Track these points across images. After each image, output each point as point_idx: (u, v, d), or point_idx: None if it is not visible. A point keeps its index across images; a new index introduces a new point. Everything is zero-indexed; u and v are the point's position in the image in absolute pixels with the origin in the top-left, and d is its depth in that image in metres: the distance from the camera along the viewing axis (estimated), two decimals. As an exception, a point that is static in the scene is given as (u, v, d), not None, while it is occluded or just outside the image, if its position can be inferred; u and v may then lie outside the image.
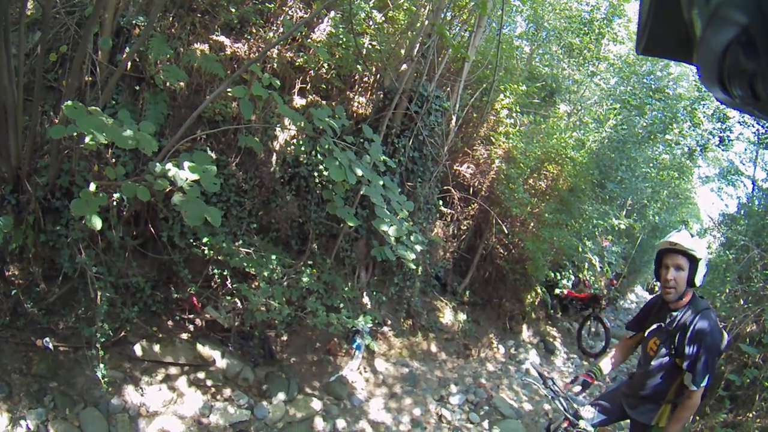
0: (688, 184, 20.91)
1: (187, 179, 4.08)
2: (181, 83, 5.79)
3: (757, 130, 13.63)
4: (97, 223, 4.07)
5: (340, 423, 5.70)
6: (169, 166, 4.12)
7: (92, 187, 4.29)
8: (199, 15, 6.32)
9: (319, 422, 5.59)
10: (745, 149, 16.04)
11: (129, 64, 5.31)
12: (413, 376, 7.03)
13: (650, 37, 0.81)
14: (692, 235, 3.24)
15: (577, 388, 3.70)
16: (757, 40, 0.54)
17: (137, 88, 5.77)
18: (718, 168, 20.01)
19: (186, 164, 4.13)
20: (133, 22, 5.62)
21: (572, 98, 13.66)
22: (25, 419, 4.22)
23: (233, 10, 6.42)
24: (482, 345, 8.87)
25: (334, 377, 6.33)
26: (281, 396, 5.69)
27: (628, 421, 3.74)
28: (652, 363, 3.42)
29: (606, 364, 3.81)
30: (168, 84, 5.72)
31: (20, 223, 4.82)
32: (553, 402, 3.66)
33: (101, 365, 4.70)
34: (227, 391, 5.45)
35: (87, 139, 3.85)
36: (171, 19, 6.09)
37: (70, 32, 5.51)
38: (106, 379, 4.71)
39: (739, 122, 14.48)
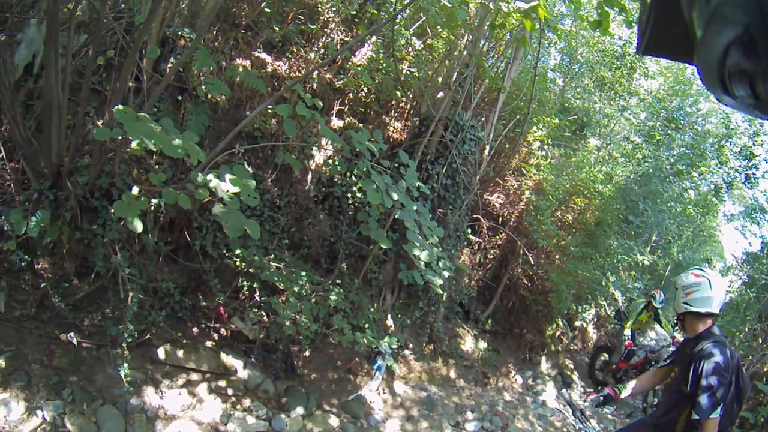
0: (713, 222, 20.65)
1: (228, 191, 4.17)
2: (223, 96, 5.90)
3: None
4: (138, 226, 4.16)
5: (356, 442, 5.70)
6: (210, 177, 4.21)
7: (135, 190, 4.39)
8: (242, 31, 6.47)
9: (335, 439, 5.59)
10: (771, 188, 15.88)
11: (173, 74, 5.44)
12: (431, 401, 6.99)
13: (651, 38, 0.81)
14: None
15: (596, 396, 3.89)
16: (758, 40, 0.54)
17: (179, 97, 5.90)
18: (743, 206, 19.77)
19: (227, 176, 4.22)
20: (179, 33, 5.75)
21: (602, 132, 13.63)
22: (42, 409, 4.22)
23: (276, 28, 6.55)
24: (501, 374, 8.80)
25: (352, 396, 6.32)
26: (300, 410, 5.69)
27: None
28: (668, 390, 3.56)
29: (630, 386, 3.91)
30: (209, 96, 5.84)
31: (57, 218, 4.91)
32: None
33: (125, 364, 4.75)
34: (247, 401, 5.48)
35: (134, 144, 3.95)
36: (215, 32, 6.24)
37: (116, 37, 5.62)
38: (128, 379, 4.74)
39: (765, 160, 14.39)
